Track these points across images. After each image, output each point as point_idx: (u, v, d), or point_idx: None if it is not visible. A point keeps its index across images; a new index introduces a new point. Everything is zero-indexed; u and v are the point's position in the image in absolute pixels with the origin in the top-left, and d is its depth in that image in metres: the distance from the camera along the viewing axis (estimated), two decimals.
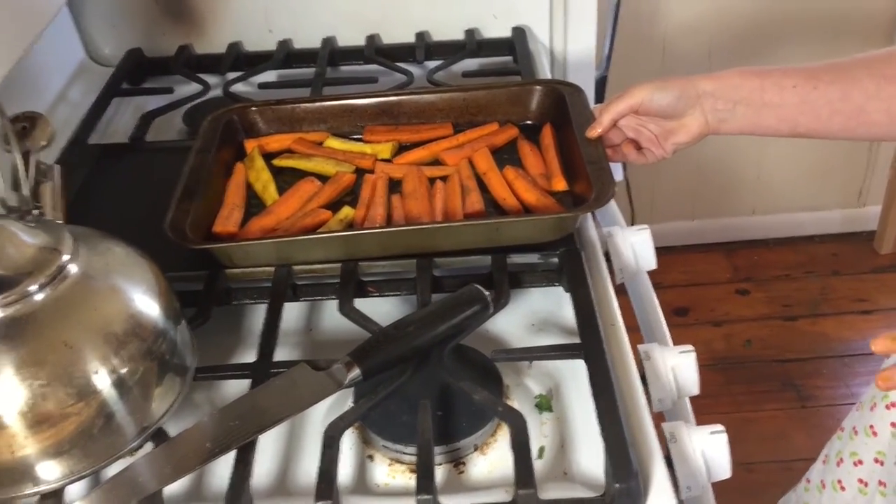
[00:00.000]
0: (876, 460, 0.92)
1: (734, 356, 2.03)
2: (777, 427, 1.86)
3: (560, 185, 0.86)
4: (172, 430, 0.64)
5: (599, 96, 1.43)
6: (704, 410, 1.95)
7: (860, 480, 0.94)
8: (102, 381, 0.59)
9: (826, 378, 1.96)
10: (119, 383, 0.60)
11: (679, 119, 0.83)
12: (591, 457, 0.66)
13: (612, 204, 1.01)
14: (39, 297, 0.58)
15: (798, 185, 2.25)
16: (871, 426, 0.91)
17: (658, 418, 0.73)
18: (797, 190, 2.26)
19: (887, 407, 0.89)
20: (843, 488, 0.97)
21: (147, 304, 0.64)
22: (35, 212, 0.67)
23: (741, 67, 0.80)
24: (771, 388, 1.95)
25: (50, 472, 0.59)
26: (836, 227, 2.32)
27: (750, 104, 0.79)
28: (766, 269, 2.27)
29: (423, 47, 1.22)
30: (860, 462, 0.93)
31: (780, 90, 0.78)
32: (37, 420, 0.57)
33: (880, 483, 0.92)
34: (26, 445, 0.57)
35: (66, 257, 0.61)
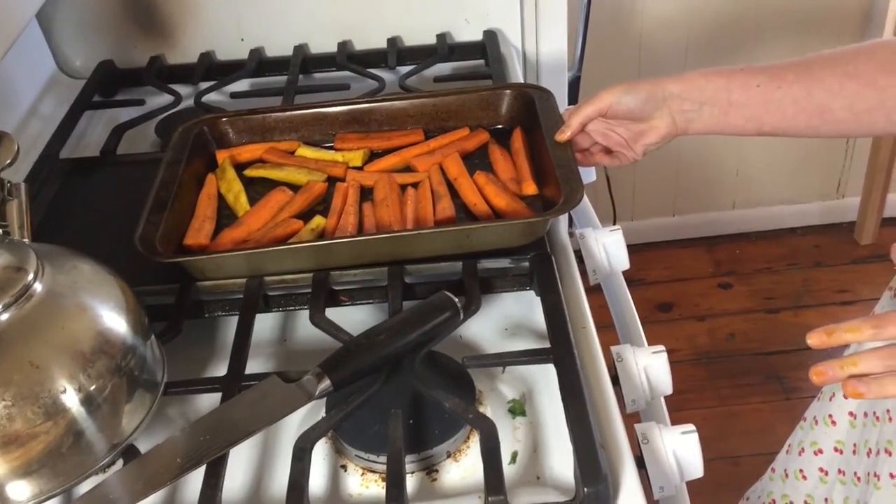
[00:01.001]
0: (835, 449, 0.93)
1: (718, 350, 2.05)
2: (762, 420, 1.87)
3: (530, 189, 0.86)
4: (144, 445, 0.64)
5: (573, 97, 1.43)
6: (689, 405, 1.97)
7: (821, 469, 0.95)
8: (70, 399, 0.59)
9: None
10: (87, 401, 0.60)
11: (647, 121, 0.83)
12: (563, 461, 0.66)
13: (587, 205, 1.02)
14: (4, 317, 0.58)
15: (778, 178, 2.26)
16: (830, 415, 0.92)
17: (634, 419, 0.74)
18: (777, 183, 2.27)
19: (845, 396, 0.90)
20: (804, 477, 0.98)
21: (114, 321, 0.64)
22: (0, 231, 0.67)
23: (707, 69, 0.81)
24: (755, 381, 1.97)
25: (20, 491, 0.59)
26: (817, 219, 2.34)
27: (716, 104, 0.80)
28: (748, 263, 2.28)
29: (395, 53, 1.22)
30: (820, 451, 0.94)
31: (746, 90, 0.78)
32: (4, 441, 0.57)
33: (840, 472, 0.93)
34: None
35: (30, 276, 0.61)
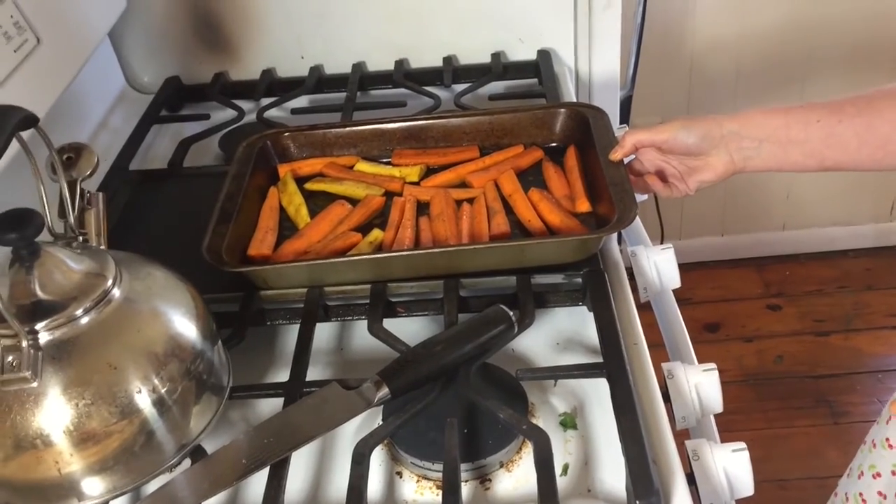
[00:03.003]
0: (892, 472, 0.92)
1: (766, 372, 2.03)
2: (810, 443, 1.85)
3: (584, 206, 0.88)
4: (210, 447, 0.67)
5: (625, 116, 1.45)
6: (736, 427, 1.95)
7: (879, 493, 0.94)
8: (144, 400, 0.62)
9: (859, 394, 1.94)
10: (160, 402, 0.63)
11: (704, 158, 0.84)
12: (614, 474, 0.67)
13: (638, 223, 1.03)
14: (85, 320, 0.62)
15: (829, 200, 2.24)
16: (888, 438, 0.92)
17: (684, 436, 0.75)
18: (828, 204, 2.25)
19: None
20: (864, 501, 0.97)
21: (186, 326, 0.67)
22: (80, 238, 0.70)
23: (764, 107, 0.82)
24: (803, 404, 1.94)
25: (94, 487, 0.62)
26: (869, 242, 2.31)
27: (776, 141, 0.80)
28: (798, 285, 2.25)
29: (451, 71, 1.25)
30: (879, 475, 0.93)
31: (805, 125, 0.78)
32: (82, 438, 0.60)
33: None
34: (72, 462, 0.60)
35: (109, 282, 0.64)
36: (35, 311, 0.61)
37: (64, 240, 0.70)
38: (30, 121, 0.63)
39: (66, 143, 0.74)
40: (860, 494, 0.98)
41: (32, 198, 0.68)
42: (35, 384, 0.59)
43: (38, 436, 0.59)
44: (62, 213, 0.70)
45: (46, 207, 0.68)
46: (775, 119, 0.80)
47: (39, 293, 0.61)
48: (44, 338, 0.60)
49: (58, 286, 0.62)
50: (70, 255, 0.65)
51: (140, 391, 0.61)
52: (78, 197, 0.71)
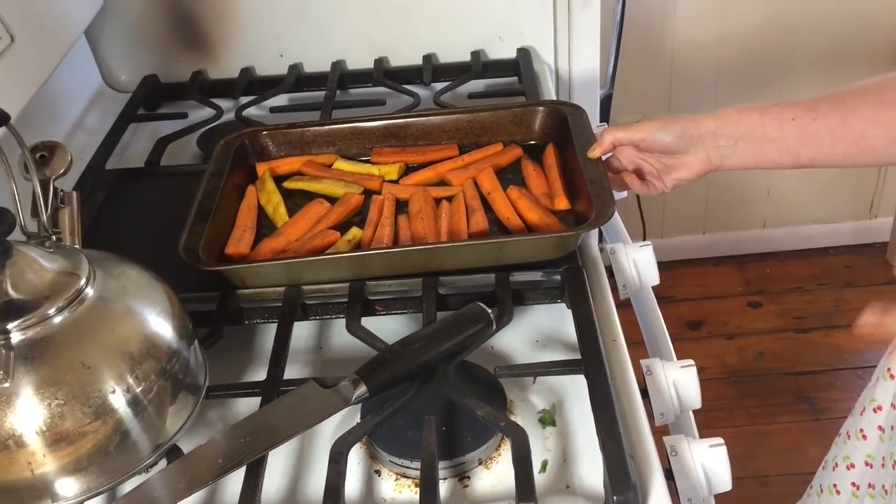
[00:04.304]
0: (866, 463, 0.93)
1: (747, 369, 2.04)
2: (791, 440, 1.86)
3: (562, 204, 0.88)
4: (186, 446, 0.66)
5: (604, 114, 1.45)
6: (717, 424, 1.97)
7: (853, 484, 0.95)
8: (118, 400, 0.61)
9: (840, 390, 1.96)
10: (134, 402, 0.62)
11: (681, 157, 0.84)
12: (593, 470, 0.67)
13: (618, 220, 1.03)
14: (58, 319, 0.61)
15: (809, 198, 2.25)
16: (861, 430, 0.93)
17: (663, 432, 0.75)
18: (808, 202, 2.26)
19: (874, 410, 0.91)
20: (838, 492, 0.98)
21: (161, 326, 0.66)
22: (53, 237, 0.70)
23: (741, 105, 0.82)
24: (784, 400, 1.96)
25: (68, 488, 0.61)
26: (849, 239, 2.33)
27: (751, 139, 0.81)
28: (779, 282, 2.27)
29: (430, 69, 1.25)
30: (852, 466, 0.95)
31: (780, 124, 0.79)
32: (55, 438, 0.59)
33: (870, 485, 0.94)
34: (45, 463, 0.60)
35: (83, 281, 0.63)
36: (7, 310, 0.60)
37: (37, 239, 0.69)
38: (0, 118, 0.62)
39: (40, 141, 0.73)
40: (834, 486, 0.99)
41: (4, 196, 0.67)
42: (7, 384, 0.58)
43: (11, 436, 0.58)
44: (35, 212, 0.70)
45: (19, 206, 0.68)
46: (751, 117, 0.81)
47: (11, 292, 0.61)
48: (16, 337, 0.59)
49: (30, 285, 0.62)
50: (43, 254, 0.64)
51: (114, 391, 0.61)
52: (51, 196, 0.70)
